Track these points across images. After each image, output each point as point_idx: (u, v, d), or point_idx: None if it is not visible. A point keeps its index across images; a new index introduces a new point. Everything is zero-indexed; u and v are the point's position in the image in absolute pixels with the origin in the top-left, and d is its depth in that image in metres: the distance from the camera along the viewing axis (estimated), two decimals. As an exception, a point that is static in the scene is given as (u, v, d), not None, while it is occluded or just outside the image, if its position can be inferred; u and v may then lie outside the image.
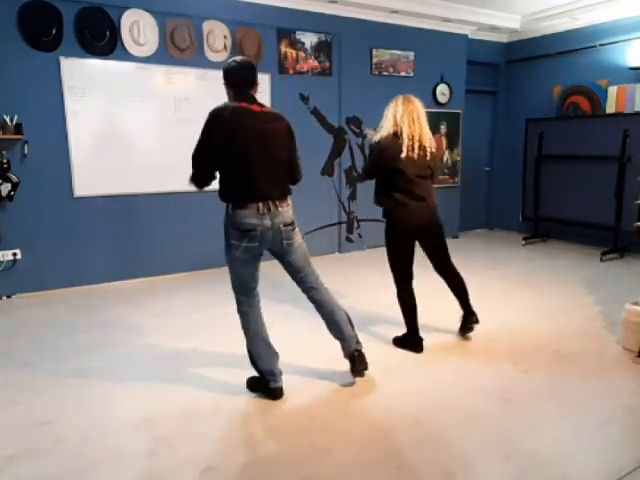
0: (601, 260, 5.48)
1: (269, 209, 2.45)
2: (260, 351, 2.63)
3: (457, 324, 3.59)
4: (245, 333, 2.63)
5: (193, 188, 2.53)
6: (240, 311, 2.61)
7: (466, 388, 2.73)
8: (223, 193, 2.47)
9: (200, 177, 2.46)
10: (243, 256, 2.47)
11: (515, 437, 2.27)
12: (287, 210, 2.55)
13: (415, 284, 3.28)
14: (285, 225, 2.53)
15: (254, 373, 2.70)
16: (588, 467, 2.07)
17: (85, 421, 2.43)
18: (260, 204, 2.42)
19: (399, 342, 3.30)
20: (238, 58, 2.53)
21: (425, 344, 3.26)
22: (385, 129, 3.11)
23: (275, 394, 2.63)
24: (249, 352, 2.65)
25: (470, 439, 2.26)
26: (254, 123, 2.40)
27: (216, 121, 2.36)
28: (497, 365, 3.00)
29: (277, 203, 2.48)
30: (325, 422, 2.41)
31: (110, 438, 2.29)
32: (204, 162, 2.43)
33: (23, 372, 2.95)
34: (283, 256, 2.61)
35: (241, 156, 2.39)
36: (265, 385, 2.65)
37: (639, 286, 4.41)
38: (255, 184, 2.41)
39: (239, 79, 2.46)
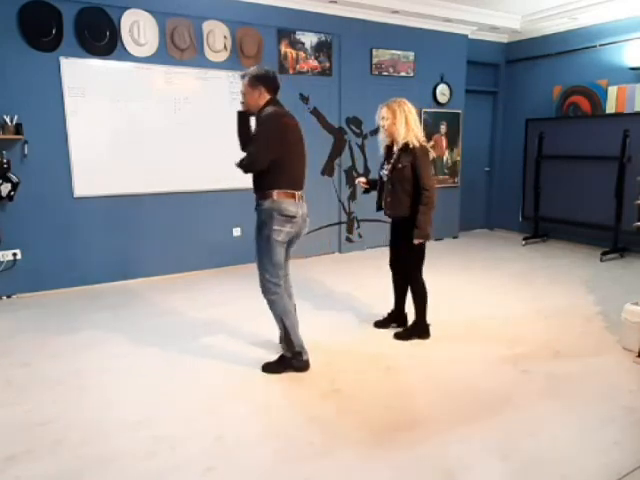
0: (601, 260, 5.47)
1: (301, 198, 2.81)
2: (294, 324, 2.88)
3: (459, 326, 3.60)
4: (282, 314, 2.83)
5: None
6: (275, 293, 2.80)
7: (466, 388, 2.73)
8: (268, 182, 2.71)
9: (258, 165, 2.68)
10: (284, 239, 2.76)
11: (515, 437, 2.27)
12: (305, 202, 2.88)
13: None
14: (306, 215, 2.87)
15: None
16: (588, 467, 2.07)
17: (85, 421, 2.43)
18: (297, 193, 2.77)
19: (408, 335, 3.40)
20: (268, 67, 2.93)
21: (423, 345, 3.28)
22: (417, 134, 3.12)
23: (307, 364, 2.90)
24: (286, 330, 2.85)
25: (470, 439, 2.26)
26: (294, 123, 2.81)
27: (279, 122, 2.72)
28: (497, 365, 3.00)
29: (303, 195, 2.84)
30: (324, 422, 2.41)
31: (110, 438, 2.29)
32: (266, 155, 2.66)
33: (23, 372, 2.95)
34: (293, 244, 2.90)
35: (290, 150, 2.74)
36: (292, 361, 2.88)
37: (639, 286, 4.40)
38: (296, 175, 2.78)
39: (277, 86, 2.87)
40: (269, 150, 2.65)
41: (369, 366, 3.01)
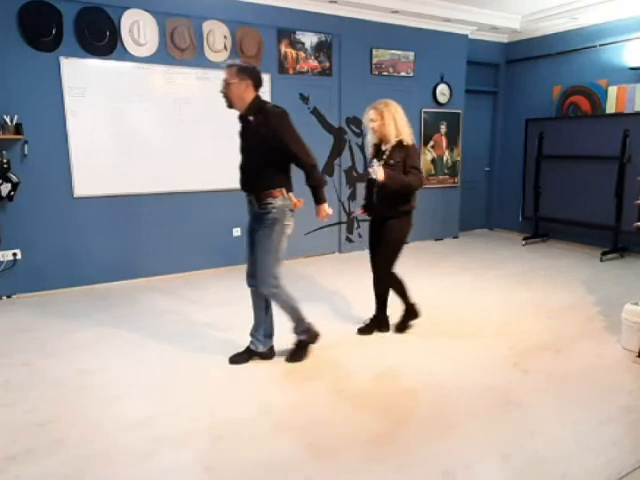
0: (601, 260, 5.47)
1: None
2: (298, 304, 3.00)
3: (458, 326, 3.61)
4: (288, 299, 2.94)
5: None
6: (277, 286, 2.88)
7: (466, 388, 2.73)
8: (279, 181, 2.81)
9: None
10: (289, 233, 2.89)
11: (515, 437, 2.27)
12: None
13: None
14: None
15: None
16: (588, 467, 2.07)
17: (85, 421, 2.43)
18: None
19: (370, 328, 3.47)
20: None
21: (424, 345, 3.27)
22: (408, 132, 3.22)
23: (319, 333, 3.10)
24: (296, 312, 2.98)
25: (470, 439, 2.26)
26: None
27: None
28: (497, 365, 3.00)
29: None
30: (325, 422, 2.41)
31: (110, 438, 2.29)
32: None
33: (23, 372, 2.95)
34: None
35: None
36: (308, 340, 3.06)
37: (639, 286, 4.40)
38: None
39: (262, 83, 2.82)
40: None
41: (368, 367, 3.00)
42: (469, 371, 2.93)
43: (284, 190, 2.82)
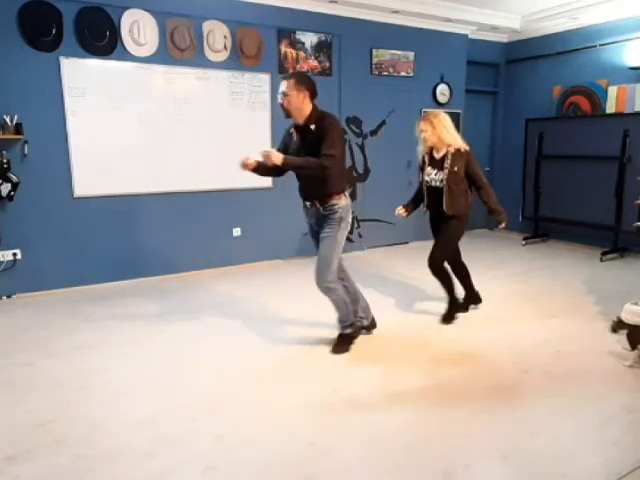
0: (601, 260, 5.48)
1: None
2: (349, 302, 3.18)
3: (457, 326, 3.61)
4: (340, 296, 3.10)
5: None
6: (334, 281, 3.03)
7: (466, 388, 2.73)
8: (341, 184, 2.98)
9: (336, 166, 2.89)
10: (348, 229, 3.07)
11: (515, 437, 2.27)
12: None
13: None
14: None
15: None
16: (588, 467, 2.07)
17: (85, 421, 2.43)
18: None
19: (453, 314, 3.71)
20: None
21: (422, 346, 3.27)
22: (460, 140, 3.46)
23: (374, 323, 3.44)
24: (347, 312, 3.15)
25: (470, 439, 2.26)
26: None
27: (342, 128, 2.94)
28: (497, 365, 3.00)
29: None
30: (325, 422, 2.42)
31: (110, 438, 2.29)
32: (343, 157, 3.00)
33: (24, 372, 2.95)
34: None
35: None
36: (354, 333, 3.23)
37: (639, 286, 4.40)
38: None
39: (317, 93, 3.04)
40: (344, 153, 2.96)
41: (367, 366, 3.01)
42: (469, 371, 2.93)
43: (345, 192, 3.02)
